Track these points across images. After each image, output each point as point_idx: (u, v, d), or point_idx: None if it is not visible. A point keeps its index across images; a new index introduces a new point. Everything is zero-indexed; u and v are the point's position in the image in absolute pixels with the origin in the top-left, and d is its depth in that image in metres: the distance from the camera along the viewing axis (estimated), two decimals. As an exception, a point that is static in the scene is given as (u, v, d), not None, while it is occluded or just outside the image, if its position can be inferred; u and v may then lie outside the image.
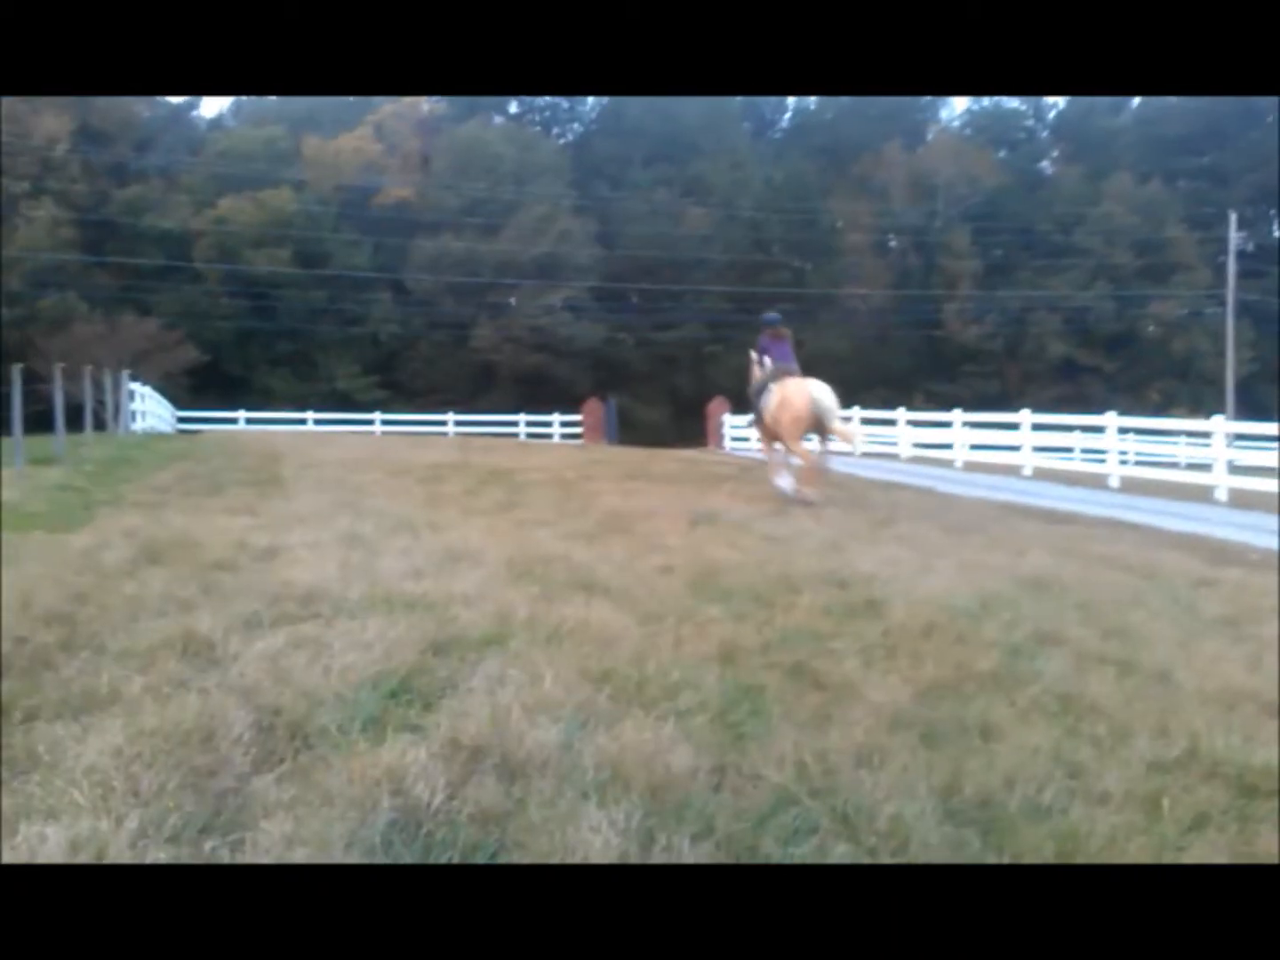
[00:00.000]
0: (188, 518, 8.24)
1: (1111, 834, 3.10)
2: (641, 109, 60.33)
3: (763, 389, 12.13)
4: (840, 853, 2.90)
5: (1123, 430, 18.55)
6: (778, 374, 12.00)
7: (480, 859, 2.75)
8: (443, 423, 34.22)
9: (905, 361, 58.59)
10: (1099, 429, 19.37)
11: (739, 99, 61.62)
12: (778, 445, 12.08)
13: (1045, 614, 5.83)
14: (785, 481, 11.77)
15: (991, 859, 2.93)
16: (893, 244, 64.00)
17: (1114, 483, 17.47)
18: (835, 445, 12.05)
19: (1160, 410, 47.18)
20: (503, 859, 2.76)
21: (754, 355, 12.64)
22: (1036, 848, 2.99)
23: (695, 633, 4.97)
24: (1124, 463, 19.24)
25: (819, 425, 11.44)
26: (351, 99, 60.51)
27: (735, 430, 31.63)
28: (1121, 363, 58.47)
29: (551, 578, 6.06)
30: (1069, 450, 23.75)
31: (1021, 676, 4.64)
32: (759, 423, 12.28)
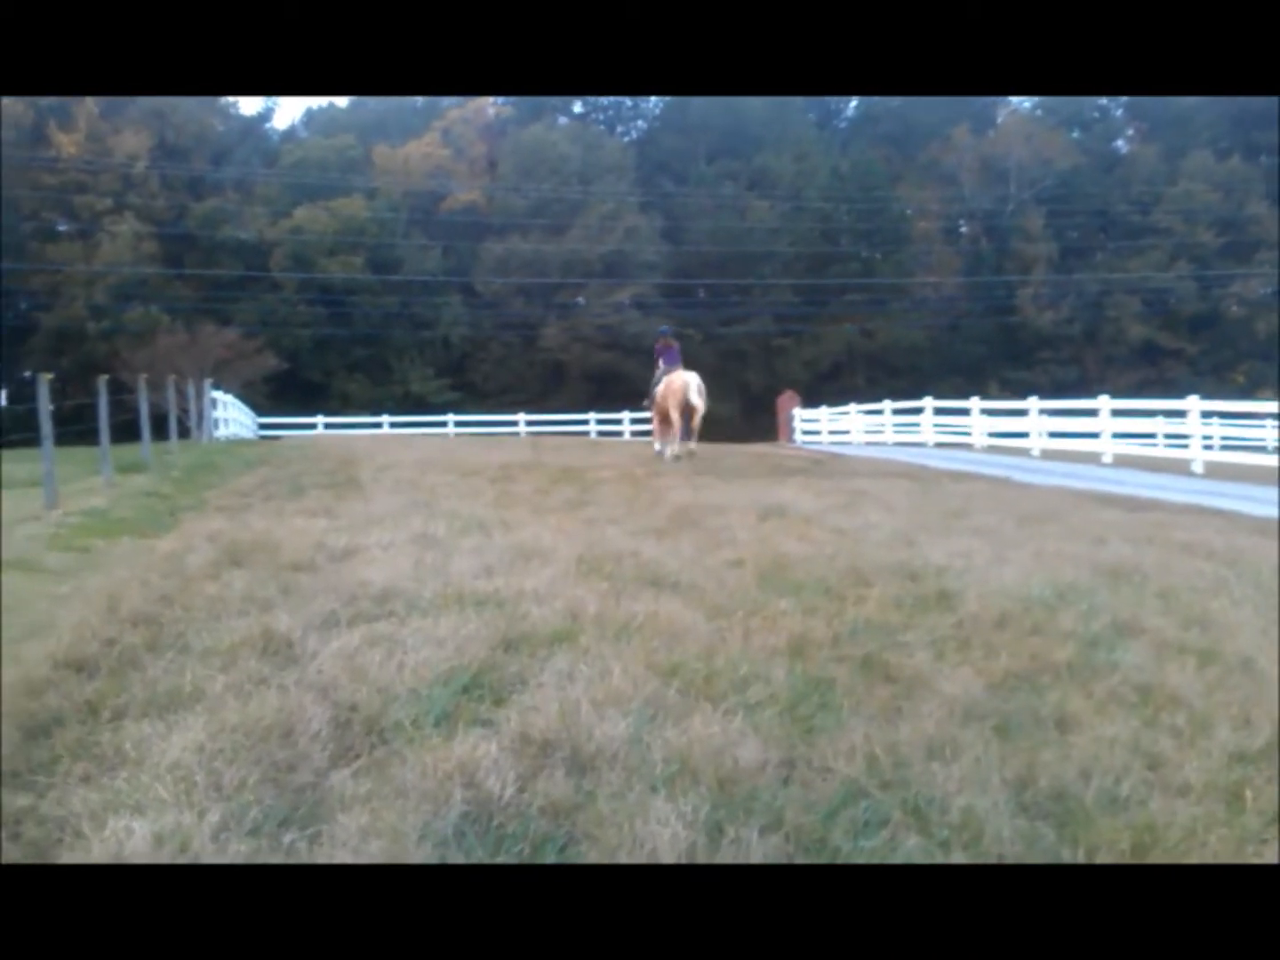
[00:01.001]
0: (268, 521, 8.44)
1: (1191, 826, 3.03)
2: (704, 104, 60.13)
3: (658, 380, 17.66)
4: (911, 845, 2.88)
5: (1206, 414, 18.05)
6: (666, 370, 17.56)
7: (550, 851, 2.79)
8: (514, 423, 34.55)
9: (979, 349, 57.64)
10: (1181, 414, 18.86)
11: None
12: (665, 420, 17.28)
13: (1124, 603, 5.70)
14: (665, 449, 17.20)
15: (1066, 852, 2.89)
16: (964, 230, 63.02)
17: (1197, 468, 17.01)
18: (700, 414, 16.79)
19: (1246, 393, 45.78)
20: (572, 851, 2.80)
21: (658, 359, 18.35)
22: (1113, 841, 2.94)
23: (764, 626, 4.96)
24: (1208, 448, 18.73)
25: (686, 399, 16.59)
26: (419, 105, 61.39)
27: (806, 424, 31.41)
28: (1204, 345, 56.85)
29: (621, 574, 6.10)
30: (1151, 436, 23.17)
31: (1099, 667, 4.55)
32: (653, 402, 17.67)
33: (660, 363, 18.01)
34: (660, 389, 17.22)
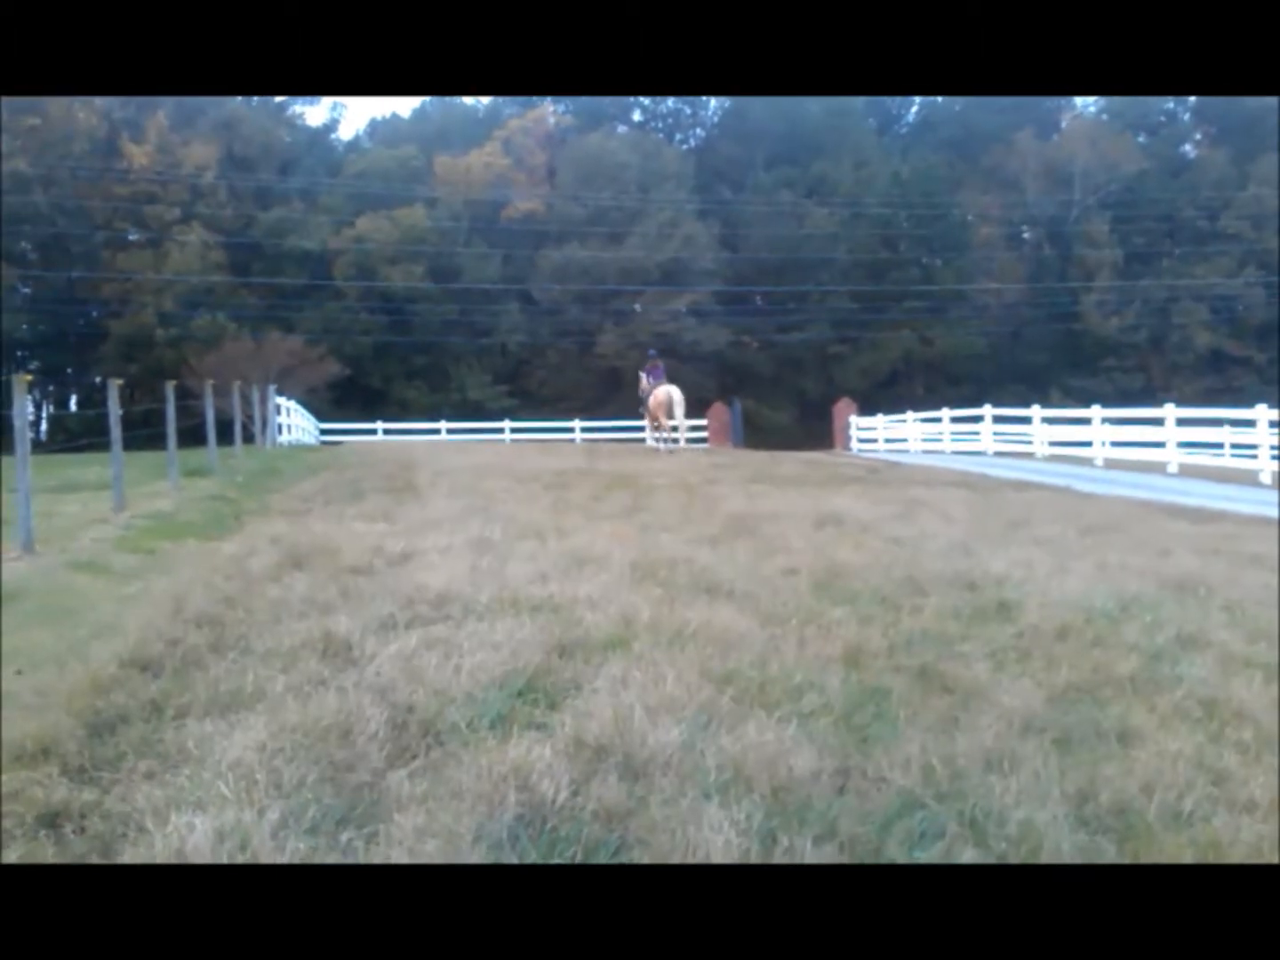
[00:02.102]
0: (328, 525, 8.57)
1: (1257, 843, 2.96)
2: (763, 111, 59.97)
3: (648, 393, 23.47)
4: (968, 858, 2.84)
5: (1275, 424, 17.60)
6: (654, 384, 23.34)
7: (603, 855, 2.80)
8: (569, 429, 34.69)
9: (1041, 357, 56.77)
10: (1249, 423, 18.42)
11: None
12: (656, 422, 23.35)
13: (1189, 616, 5.59)
14: (657, 443, 23.90)
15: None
16: (1026, 236, 62.14)
17: (1266, 479, 16.59)
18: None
19: (1319, 402, 44.52)
20: (624, 856, 2.80)
21: (642, 375, 24.79)
22: (1175, 856, 2.88)
23: (819, 635, 4.93)
24: (1276, 458, 18.25)
25: (670, 409, 22.40)
26: (480, 115, 62.00)
27: (862, 432, 31.16)
28: (1273, 352, 55.41)
29: (675, 581, 6.10)
30: (1217, 446, 22.64)
31: (1163, 681, 4.46)
32: (646, 410, 23.79)
33: (647, 378, 24.14)
34: (651, 400, 23.12)
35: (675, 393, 22.38)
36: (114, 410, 10.63)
